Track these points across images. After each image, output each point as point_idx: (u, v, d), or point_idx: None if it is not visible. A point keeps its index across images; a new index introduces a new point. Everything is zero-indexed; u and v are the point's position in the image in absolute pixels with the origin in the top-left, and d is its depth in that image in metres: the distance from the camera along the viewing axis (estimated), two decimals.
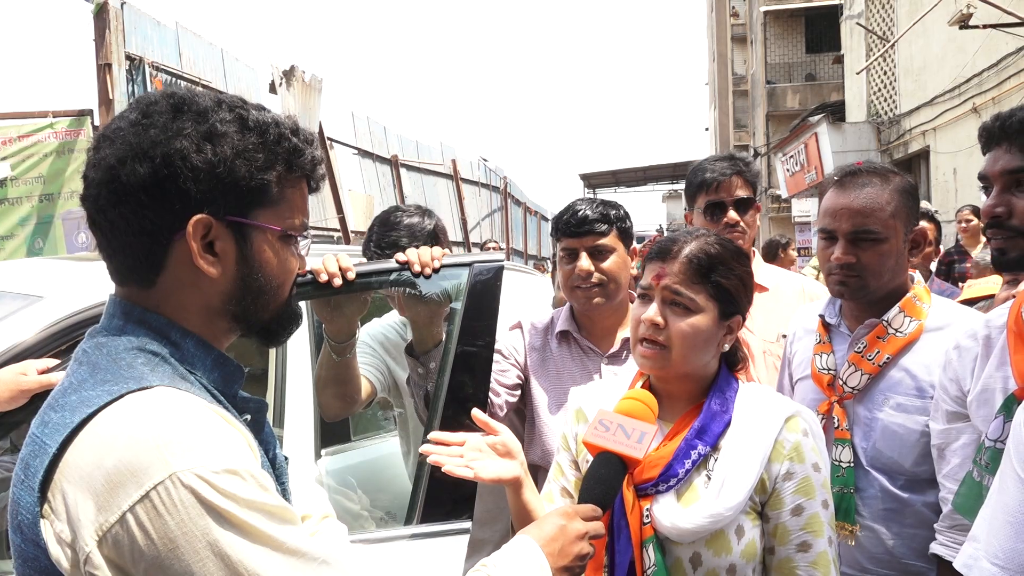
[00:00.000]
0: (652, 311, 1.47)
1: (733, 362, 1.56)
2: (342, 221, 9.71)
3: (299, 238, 1.09)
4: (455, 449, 1.40)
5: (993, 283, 3.47)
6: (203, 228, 0.99)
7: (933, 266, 5.29)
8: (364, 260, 1.80)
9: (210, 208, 0.98)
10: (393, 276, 1.83)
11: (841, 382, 1.85)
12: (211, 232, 0.99)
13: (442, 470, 1.36)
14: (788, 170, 16.33)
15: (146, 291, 1.02)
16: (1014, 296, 2.64)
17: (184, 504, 0.85)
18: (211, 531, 0.86)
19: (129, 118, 1.00)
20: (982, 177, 1.53)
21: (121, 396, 0.90)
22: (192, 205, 0.97)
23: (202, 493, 0.85)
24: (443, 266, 1.82)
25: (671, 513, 1.40)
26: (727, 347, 1.52)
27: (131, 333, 0.99)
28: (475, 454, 1.40)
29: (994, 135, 1.49)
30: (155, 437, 0.86)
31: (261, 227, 1.03)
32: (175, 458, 0.85)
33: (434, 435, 1.42)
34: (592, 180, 34.46)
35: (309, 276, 1.72)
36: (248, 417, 1.08)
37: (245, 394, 1.11)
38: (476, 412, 1.45)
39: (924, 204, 5.77)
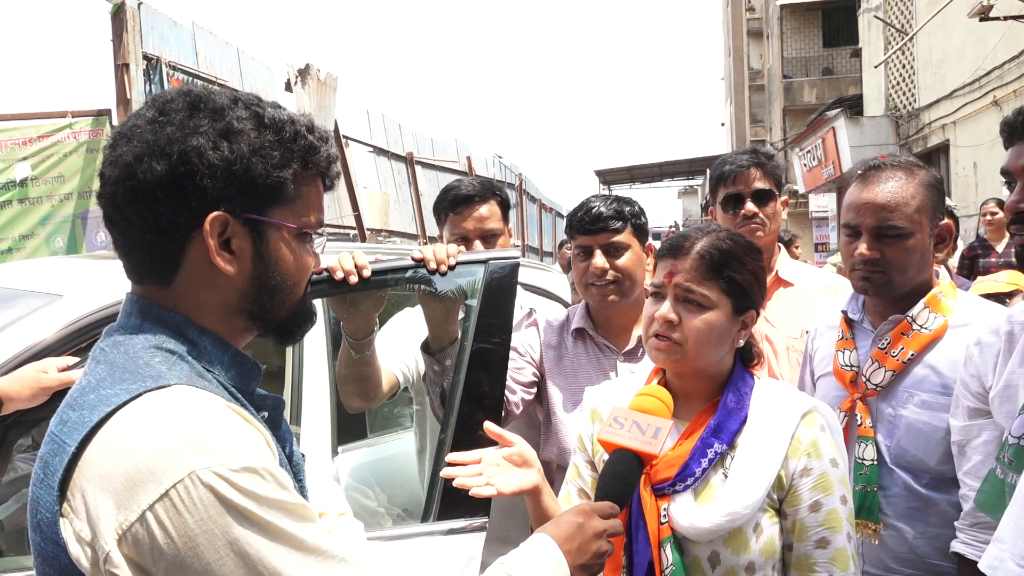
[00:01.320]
0: (665, 308, 1.46)
1: (748, 358, 1.55)
2: (358, 219, 9.74)
3: (314, 236, 1.09)
4: (473, 468, 1.40)
5: (1016, 279, 3.44)
6: (220, 225, 0.99)
7: (954, 261, 5.24)
8: (379, 258, 1.81)
9: (226, 206, 0.98)
10: (409, 273, 1.82)
11: (864, 379, 1.83)
12: (228, 230, 1.00)
13: (469, 493, 1.36)
14: (805, 165, 16.21)
15: (163, 289, 1.02)
16: None
17: (203, 502, 0.85)
18: (231, 529, 0.86)
19: (146, 116, 1.00)
20: (1005, 172, 1.51)
21: (139, 395, 0.91)
22: (209, 203, 0.98)
23: (221, 491, 0.86)
24: (459, 263, 1.82)
25: (689, 513, 1.40)
26: (741, 343, 1.51)
27: (148, 331, 1.00)
28: (493, 469, 1.40)
29: (1016, 130, 1.48)
30: (173, 436, 0.87)
31: (277, 224, 1.03)
32: (194, 457, 0.86)
33: (451, 457, 1.42)
34: (607, 176, 34.35)
35: (325, 274, 1.72)
36: (265, 414, 1.08)
37: (263, 391, 1.11)
38: (488, 425, 1.45)
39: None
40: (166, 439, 0.86)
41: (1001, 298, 3.40)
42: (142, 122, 0.99)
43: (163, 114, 0.99)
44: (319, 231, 1.10)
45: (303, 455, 1.18)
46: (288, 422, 2.37)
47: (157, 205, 0.97)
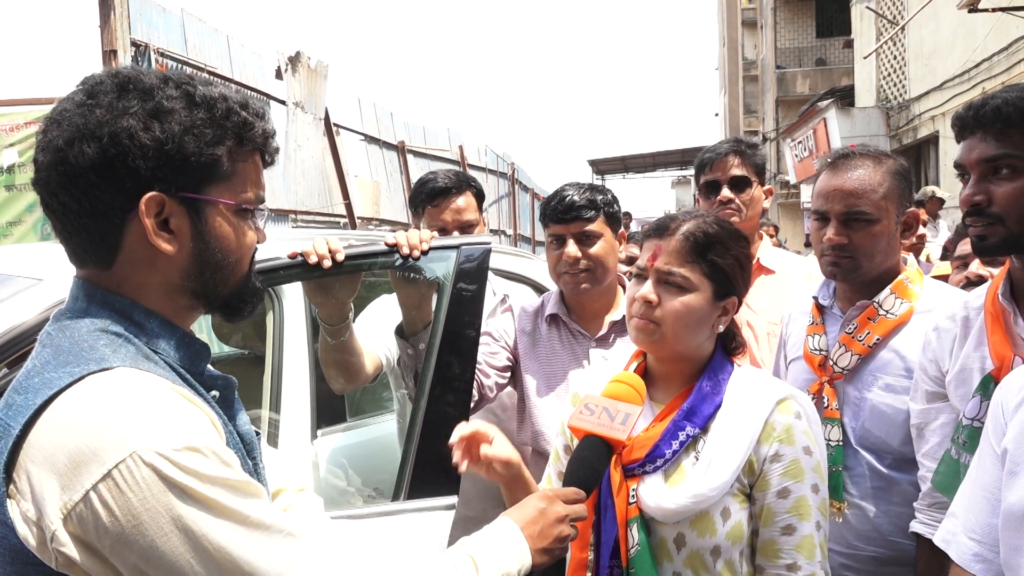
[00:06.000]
0: (646, 288, 1.46)
1: (730, 346, 1.55)
2: (348, 207, 9.74)
3: (256, 211, 1.09)
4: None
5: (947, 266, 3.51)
6: (156, 205, 0.99)
7: (937, 250, 5.29)
8: (353, 243, 1.82)
9: (161, 185, 0.99)
10: (383, 258, 1.84)
11: (832, 362, 1.86)
12: (165, 209, 1.00)
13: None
14: (797, 156, 16.24)
15: (105, 272, 1.03)
16: (969, 278, 2.65)
17: (146, 481, 0.87)
18: (174, 507, 0.88)
19: (75, 99, 1.00)
20: (958, 166, 1.54)
21: (82, 377, 0.92)
22: (143, 183, 0.98)
23: (163, 470, 0.87)
24: (432, 248, 1.84)
25: (656, 493, 1.41)
26: (721, 328, 1.51)
27: (94, 315, 1.00)
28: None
29: (968, 124, 1.50)
30: (115, 417, 0.88)
31: (214, 202, 1.03)
32: (135, 437, 0.87)
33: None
34: (600, 166, 34.25)
35: (299, 258, 1.74)
36: (216, 394, 1.09)
37: (214, 371, 1.12)
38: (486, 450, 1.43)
39: (933, 188, 5.74)
40: (108, 420, 0.88)
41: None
42: (71, 106, 0.99)
43: (92, 97, 0.99)
44: (260, 207, 1.10)
45: (257, 432, 1.19)
46: (266, 406, 2.39)
47: (91, 188, 0.97)
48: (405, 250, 1.81)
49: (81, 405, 0.90)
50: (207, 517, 0.90)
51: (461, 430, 1.41)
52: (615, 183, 35.80)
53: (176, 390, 0.96)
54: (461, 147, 14.85)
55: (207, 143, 1.01)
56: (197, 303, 1.08)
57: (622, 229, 2.21)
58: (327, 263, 1.74)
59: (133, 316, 1.02)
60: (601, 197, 2.14)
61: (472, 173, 15.52)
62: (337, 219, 9.68)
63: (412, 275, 1.87)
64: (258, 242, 1.12)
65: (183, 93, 1.01)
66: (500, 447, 1.43)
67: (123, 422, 0.88)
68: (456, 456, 1.40)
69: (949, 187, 10.86)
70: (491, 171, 16.65)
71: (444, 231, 2.35)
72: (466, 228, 2.38)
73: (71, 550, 0.87)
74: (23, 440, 0.91)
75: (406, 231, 1.88)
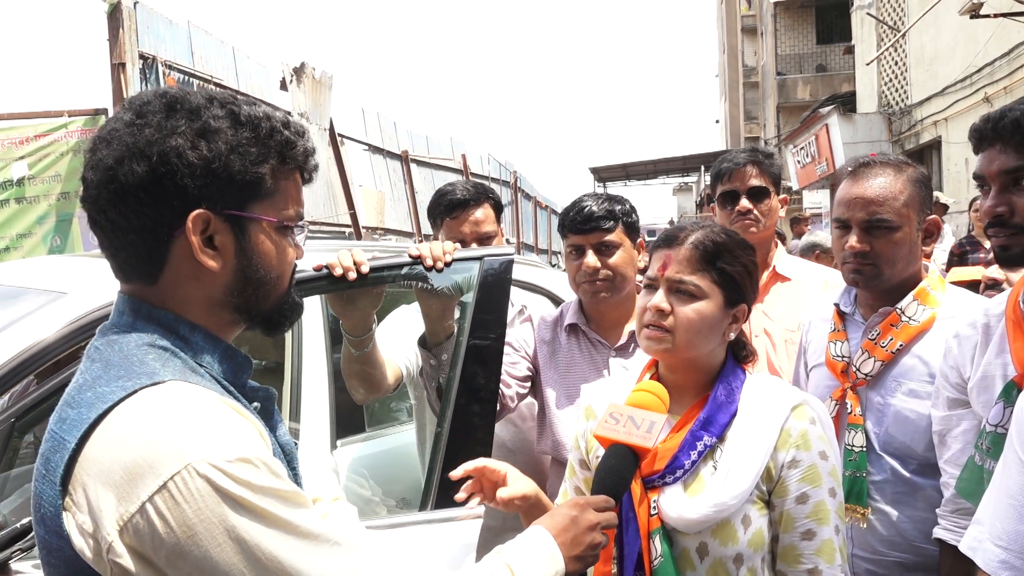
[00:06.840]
0: (658, 298, 1.47)
1: (740, 355, 1.56)
2: (353, 217, 9.75)
3: (295, 228, 1.11)
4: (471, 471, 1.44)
5: (975, 270, 3.52)
6: (202, 223, 1.01)
7: (943, 255, 5.30)
8: (377, 255, 1.84)
9: (208, 203, 1.00)
10: (407, 270, 1.86)
11: (855, 369, 1.87)
12: (210, 226, 1.02)
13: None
14: (799, 162, 16.26)
15: (150, 287, 1.04)
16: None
17: (200, 493, 0.88)
18: (227, 517, 0.89)
19: (124, 119, 1.02)
20: (978, 177, 1.55)
21: (135, 391, 0.93)
22: (190, 201, 0.99)
23: (217, 481, 0.89)
24: (455, 260, 1.85)
25: (677, 504, 1.41)
26: (732, 336, 1.52)
27: (141, 329, 1.02)
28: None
29: (986, 136, 1.51)
30: (169, 430, 0.90)
31: (258, 219, 1.05)
32: (190, 449, 0.89)
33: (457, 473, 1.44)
34: (602, 174, 34.27)
35: (324, 271, 1.75)
36: (258, 405, 1.11)
37: (254, 383, 1.14)
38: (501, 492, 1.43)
39: (937, 194, 5.78)
40: (162, 433, 0.89)
41: (976, 285, 3.50)
42: (120, 125, 1.01)
43: (140, 116, 1.01)
44: (300, 224, 1.12)
45: (295, 443, 1.20)
46: (286, 417, 2.41)
47: (140, 206, 0.99)
48: (429, 262, 1.83)
49: (135, 419, 0.91)
50: (259, 527, 0.91)
51: (466, 465, 1.43)
52: (617, 191, 35.82)
53: (225, 402, 0.97)
54: (464, 156, 14.89)
55: (252, 161, 1.03)
56: (239, 318, 1.10)
57: (640, 239, 2.22)
58: (352, 275, 1.75)
59: (178, 330, 1.03)
60: (619, 207, 2.15)
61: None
62: (342, 229, 9.70)
63: (435, 286, 1.88)
64: (297, 258, 1.13)
65: (228, 113, 1.03)
66: (516, 485, 1.42)
67: (177, 435, 0.89)
68: (463, 492, 1.42)
69: (952, 192, 10.88)
70: (494, 179, 16.67)
71: (463, 243, 2.36)
72: (484, 240, 2.39)
73: (127, 561, 0.89)
74: (78, 454, 0.92)
75: (428, 242, 1.89)
